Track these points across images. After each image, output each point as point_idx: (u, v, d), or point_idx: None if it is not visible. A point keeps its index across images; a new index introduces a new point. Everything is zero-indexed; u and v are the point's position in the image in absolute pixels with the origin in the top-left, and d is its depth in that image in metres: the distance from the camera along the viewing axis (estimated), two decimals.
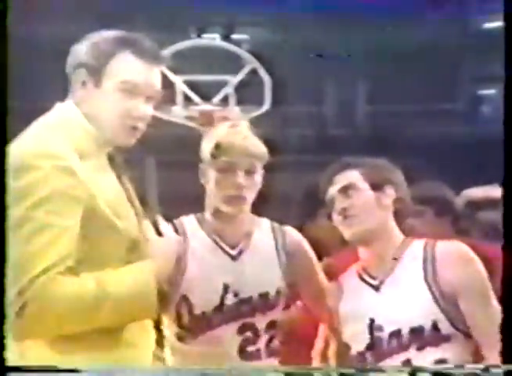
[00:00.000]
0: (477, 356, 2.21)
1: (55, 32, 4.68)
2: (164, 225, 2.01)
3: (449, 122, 5.83)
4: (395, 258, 2.30)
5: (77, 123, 1.96)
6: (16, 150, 1.86)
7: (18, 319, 1.77)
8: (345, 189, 2.30)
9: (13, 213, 1.80)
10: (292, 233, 2.48)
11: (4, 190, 1.83)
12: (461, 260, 2.24)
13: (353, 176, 2.32)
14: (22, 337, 1.83)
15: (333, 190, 2.32)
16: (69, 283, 1.81)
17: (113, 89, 1.97)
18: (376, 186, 2.31)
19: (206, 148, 2.38)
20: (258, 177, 2.38)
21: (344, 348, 2.33)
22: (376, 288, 2.30)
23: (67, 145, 1.88)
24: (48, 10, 4.84)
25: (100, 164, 1.95)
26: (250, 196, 2.38)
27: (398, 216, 2.34)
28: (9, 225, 1.81)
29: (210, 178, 2.37)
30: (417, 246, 2.31)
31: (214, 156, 2.35)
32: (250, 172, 2.35)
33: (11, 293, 1.77)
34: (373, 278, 2.31)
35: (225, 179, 2.33)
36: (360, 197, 2.29)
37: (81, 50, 1.98)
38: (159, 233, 2.00)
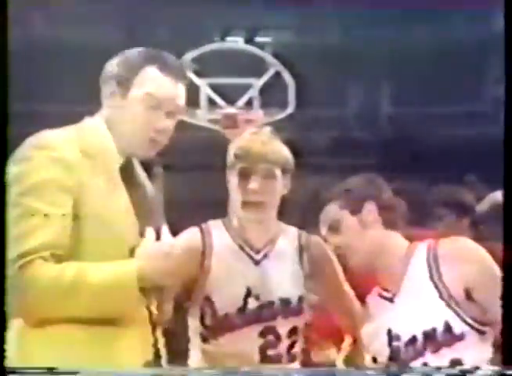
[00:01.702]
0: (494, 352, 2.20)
1: (63, 34, 4.70)
2: (165, 232, 2.02)
3: (475, 124, 5.79)
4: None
5: (96, 129, 2.02)
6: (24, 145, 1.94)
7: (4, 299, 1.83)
8: (331, 227, 2.32)
9: (6, 200, 1.86)
10: (318, 243, 2.49)
11: (4, 190, 1.87)
12: (464, 255, 2.24)
13: (332, 211, 2.34)
14: (11, 315, 1.87)
15: (323, 231, 2.34)
16: (49, 269, 1.85)
17: (137, 101, 2.04)
18: (355, 210, 2.31)
19: (229, 155, 2.42)
20: (279, 183, 2.38)
21: (371, 362, 2.34)
22: (391, 300, 2.31)
23: (71, 141, 1.94)
24: (64, 11, 4.86)
25: (109, 171, 1.98)
26: (270, 201, 2.38)
27: (392, 224, 2.33)
28: (3, 211, 1.86)
29: (231, 183, 2.40)
30: (421, 249, 2.30)
31: (233, 162, 2.38)
32: (268, 178, 2.36)
33: None
34: (388, 291, 2.32)
35: (242, 185, 2.35)
36: (345, 228, 2.30)
37: (113, 64, 2.06)
38: (158, 239, 2.01)
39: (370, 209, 2.31)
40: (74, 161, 1.92)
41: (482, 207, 3.06)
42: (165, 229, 2.02)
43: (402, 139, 5.93)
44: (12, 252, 1.84)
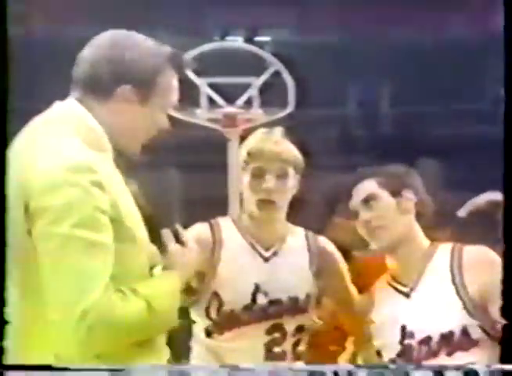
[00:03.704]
0: None
1: (66, 33, 4.70)
2: (185, 235, 1.99)
3: (475, 122, 5.79)
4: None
5: (90, 126, 1.91)
6: (45, 161, 1.80)
7: (87, 339, 1.74)
8: (366, 201, 2.32)
9: (54, 231, 1.75)
10: (325, 243, 2.52)
11: (4, 190, 1.80)
12: (487, 265, 2.24)
13: (371, 186, 2.34)
14: (89, 353, 1.80)
15: (354, 203, 2.33)
16: (125, 304, 1.79)
17: (159, 109, 1.95)
18: (395, 192, 2.33)
19: (241, 154, 2.44)
20: (291, 182, 2.41)
21: (374, 357, 2.34)
22: (407, 295, 2.30)
23: (91, 152, 1.85)
24: (64, 10, 4.86)
25: (113, 169, 1.93)
26: (282, 200, 2.41)
27: (421, 219, 2.35)
28: (51, 243, 1.75)
29: (244, 183, 2.42)
30: (444, 251, 2.31)
31: (246, 162, 2.41)
32: (281, 177, 2.39)
33: (70, 314, 1.74)
34: (404, 285, 2.32)
35: (256, 184, 2.38)
36: (381, 206, 2.31)
37: (126, 60, 1.93)
38: (179, 242, 1.97)
39: (409, 197, 2.34)
40: (105, 179, 1.83)
41: (463, 211, 3.06)
42: (184, 233, 1.98)
43: (401, 138, 5.93)
44: (89, 290, 1.73)
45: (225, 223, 2.51)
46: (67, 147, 1.83)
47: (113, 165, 1.93)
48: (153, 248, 1.96)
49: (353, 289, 2.53)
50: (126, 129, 1.95)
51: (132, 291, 1.81)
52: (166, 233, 1.96)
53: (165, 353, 1.97)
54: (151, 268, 1.93)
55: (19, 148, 1.85)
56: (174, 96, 2.00)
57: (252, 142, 2.45)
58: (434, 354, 2.23)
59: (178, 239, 1.96)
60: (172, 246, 1.95)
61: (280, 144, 2.42)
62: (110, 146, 1.93)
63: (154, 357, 1.91)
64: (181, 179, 5.56)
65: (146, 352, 1.88)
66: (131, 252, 1.87)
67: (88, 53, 1.96)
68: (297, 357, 2.45)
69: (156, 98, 1.95)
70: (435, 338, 2.22)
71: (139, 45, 1.95)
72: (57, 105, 1.95)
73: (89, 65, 1.94)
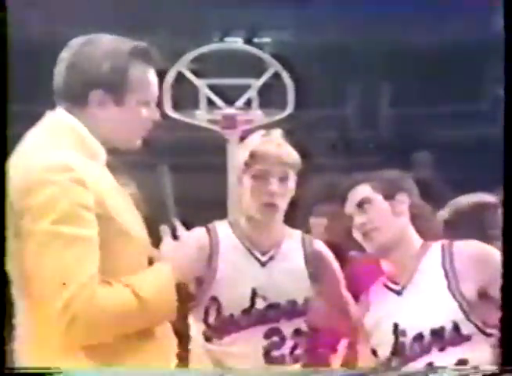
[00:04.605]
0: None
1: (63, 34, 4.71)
2: (182, 230, 1.99)
3: (474, 123, 5.80)
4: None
5: (76, 131, 1.92)
6: (25, 164, 1.84)
7: (70, 331, 1.76)
8: (361, 205, 2.35)
9: (36, 229, 1.78)
10: (321, 247, 2.52)
11: (4, 193, 1.82)
12: (478, 259, 2.27)
13: (365, 190, 2.38)
14: (76, 345, 1.81)
15: (349, 207, 2.36)
16: (109, 294, 1.80)
17: (135, 105, 1.95)
18: (389, 196, 2.37)
19: (241, 156, 2.42)
20: (291, 184, 2.41)
21: (371, 356, 2.35)
22: (399, 293, 2.33)
23: (74, 154, 1.87)
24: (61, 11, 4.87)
25: (101, 171, 1.94)
26: (283, 203, 2.41)
27: (416, 221, 2.38)
28: (33, 240, 1.79)
29: (244, 185, 2.40)
30: (435, 248, 2.34)
31: (248, 164, 2.39)
32: (283, 180, 2.39)
33: (53, 307, 1.76)
34: (396, 284, 2.34)
35: (259, 187, 2.37)
36: (376, 209, 2.35)
37: (91, 66, 1.94)
38: (175, 237, 1.98)
39: (403, 200, 2.37)
40: (88, 177, 1.84)
41: (444, 213, 3.05)
42: (181, 229, 1.99)
43: (401, 138, 5.94)
44: (71, 283, 1.76)
45: (221, 227, 2.50)
46: (43, 148, 1.87)
47: (103, 167, 1.94)
48: (152, 247, 1.96)
49: (347, 293, 2.54)
50: (113, 131, 1.96)
51: (118, 281, 1.83)
52: (163, 229, 1.97)
53: (169, 348, 1.97)
54: (149, 263, 1.94)
55: (12, 162, 1.89)
56: (154, 88, 1.99)
57: (253, 144, 2.44)
58: (427, 350, 2.25)
59: (174, 235, 1.97)
60: (168, 240, 1.96)
61: (282, 147, 2.42)
62: (103, 149, 1.95)
63: (156, 351, 1.91)
64: (179, 180, 5.57)
65: (146, 347, 1.89)
66: (125, 248, 1.88)
67: (59, 66, 1.98)
68: (295, 360, 2.45)
69: (132, 95, 1.94)
70: (426, 334, 2.24)
71: (100, 47, 1.95)
72: (48, 115, 1.97)
73: (61, 77, 1.97)
